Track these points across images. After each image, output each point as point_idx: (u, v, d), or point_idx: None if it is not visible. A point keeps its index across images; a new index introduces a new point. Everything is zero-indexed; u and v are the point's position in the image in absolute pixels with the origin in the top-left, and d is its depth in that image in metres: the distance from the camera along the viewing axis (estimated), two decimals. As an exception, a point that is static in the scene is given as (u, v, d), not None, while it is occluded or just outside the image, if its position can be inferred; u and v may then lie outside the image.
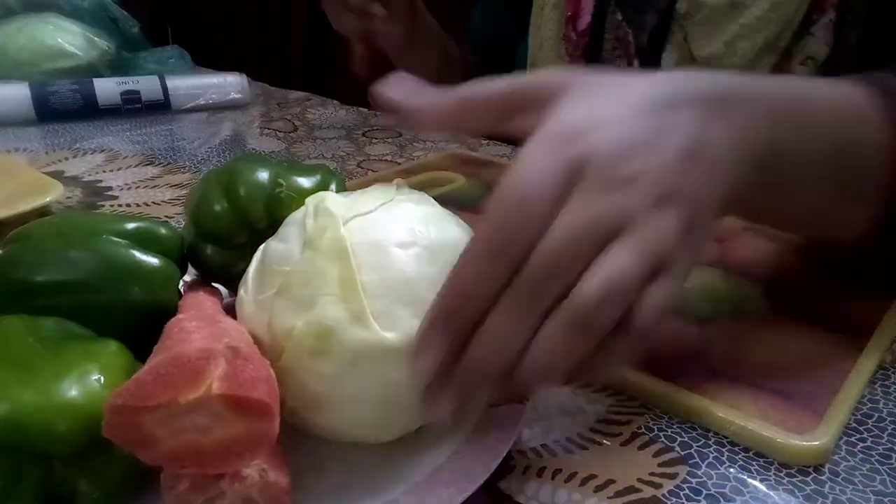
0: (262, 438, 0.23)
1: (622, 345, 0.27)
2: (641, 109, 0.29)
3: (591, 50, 0.67)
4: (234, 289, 0.34)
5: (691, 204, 0.28)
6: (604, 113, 0.29)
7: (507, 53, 0.84)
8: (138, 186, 0.63)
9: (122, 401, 0.22)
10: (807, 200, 0.38)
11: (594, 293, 0.25)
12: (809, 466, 0.31)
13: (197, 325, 0.26)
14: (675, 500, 0.29)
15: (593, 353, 0.26)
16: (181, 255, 0.35)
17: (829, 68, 0.59)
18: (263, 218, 0.35)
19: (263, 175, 0.35)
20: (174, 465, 0.24)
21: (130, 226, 0.34)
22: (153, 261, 0.32)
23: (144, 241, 0.33)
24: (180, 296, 0.34)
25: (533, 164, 0.27)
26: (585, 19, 0.67)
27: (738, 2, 0.58)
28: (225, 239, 0.35)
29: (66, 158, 0.70)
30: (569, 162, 0.27)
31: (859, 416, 0.35)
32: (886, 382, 0.37)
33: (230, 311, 0.31)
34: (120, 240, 0.33)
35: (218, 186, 0.35)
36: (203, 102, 0.89)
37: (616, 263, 0.26)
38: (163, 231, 0.34)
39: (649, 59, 0.65)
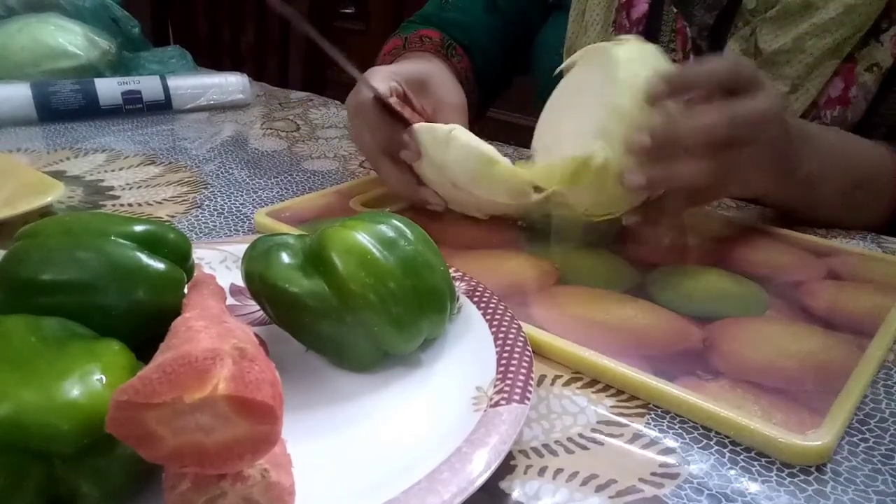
0: (264, 441, 0.23)
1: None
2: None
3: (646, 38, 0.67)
4: None
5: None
6: None
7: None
8: (139, 186, 0.63)
9: (128, 397, 0.22)
10: (824, 191, 0.55)
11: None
12: (811, 466, 0.31)
13: (204, 324, 0.26)
14: (676, 500, 0.29)
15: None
16: (188, 259, 0.35)
17: (891, 78, 0.60)
18: None
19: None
20: (175, 463, 0.23)
21: (139, 228, 0.33)
22: (159, 265, 0.32)
23: (152, 244, 0.33)
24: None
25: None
26: (641, 7, 0.67)
27: (812, 2, 0.59)
28: None
29: (68, 158, 0.70)
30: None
31: (861, 416, 0.35)
32: (889, 382, 0.37)
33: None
34: (127, 242, 0.32)
35: None
36: (204, 102, 0.89)
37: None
38: (171, 235, 0.34)
39: (704, 53, 0.66)
